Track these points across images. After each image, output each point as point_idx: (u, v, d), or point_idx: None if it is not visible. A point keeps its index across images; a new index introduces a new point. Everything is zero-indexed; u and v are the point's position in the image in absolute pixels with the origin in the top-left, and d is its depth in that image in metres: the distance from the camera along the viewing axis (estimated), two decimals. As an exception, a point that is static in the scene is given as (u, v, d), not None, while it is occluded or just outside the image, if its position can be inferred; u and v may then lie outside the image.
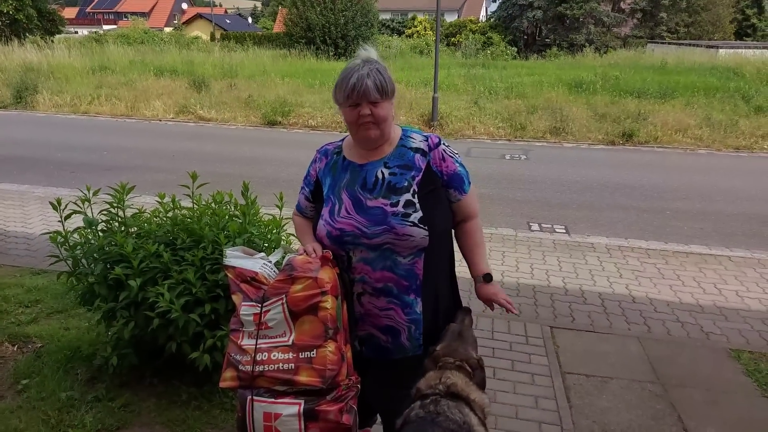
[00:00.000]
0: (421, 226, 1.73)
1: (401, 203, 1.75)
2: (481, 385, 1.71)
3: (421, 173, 1.80)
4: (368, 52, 1.81)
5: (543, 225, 6.13)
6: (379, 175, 1.80)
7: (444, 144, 1.87)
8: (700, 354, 3.57)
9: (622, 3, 40.06)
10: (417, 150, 1.83)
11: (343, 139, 1.96)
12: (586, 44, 34.39)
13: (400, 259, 1.77)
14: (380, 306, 1.81)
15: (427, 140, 1.86)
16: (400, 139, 1.86)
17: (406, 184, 1.77)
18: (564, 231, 5.95)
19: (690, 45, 26.20)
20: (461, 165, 1.88)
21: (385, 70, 1.77)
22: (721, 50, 22.64)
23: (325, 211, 1.83)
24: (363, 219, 1.76)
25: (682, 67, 18.93)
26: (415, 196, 1.76)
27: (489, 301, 1.95)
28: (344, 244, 1.79)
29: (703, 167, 9.12)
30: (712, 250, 5.37)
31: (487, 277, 1.94)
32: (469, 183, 1.90)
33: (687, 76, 15.98)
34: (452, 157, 1.86)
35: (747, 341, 3.74)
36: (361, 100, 1.72)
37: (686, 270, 4.91)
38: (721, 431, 2.84)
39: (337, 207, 1.80)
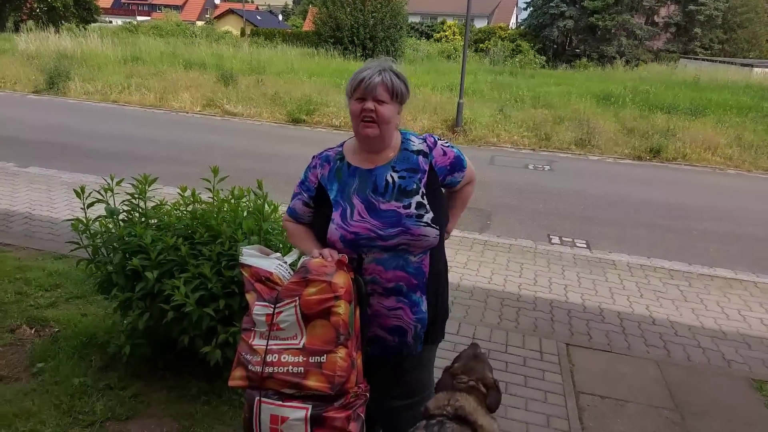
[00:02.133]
0: (434, 225, 1.81)
1: (413, 205, 1.80)
2: (494, 407, 1.67)
3: (426, 175, 1.87)
4: (392, 62, 1.89)
5: (564, 238, 6.03)
6: (389, 179, 1.85)
7: (440, 140, 1.96)
8: (720, 382, 3.46)
9: (655, 16, 39.46)
10: (419, 152, 1.90)
11: (341, 144, 1.99)
12: (617, 56, 33.96)
13: (411, 258, 1.83)
14: (389, 306, 1.85)
15: (425, 141, 1.94)
16: (402, 143, 1.92)
17: (414, 186, 1.84)
18: (585, 246, 5.84)
19: (724, 62, 25.68)
20: (457, 150, 1.98)
21: (401, 76, 1.83)
22: (756, 69, 22.15)
23: (336, 216, 1.85)
24: (377, 222, 1.80)
25: (715, 84, 18.53)
26: (424, 197, 1.83)
27: None
28: (359, 247, 1.81)
29: (732, 188, 8.89)
30: (738, 275, 5.22)
31: None
32: (465, 159, 2.00)
33: (719, 94, 15.63)
34: (450, 147, 1.96)
35: (771, 372, 3.62)
36: (366, 95, 1.78)
37: (710, 294, 4.78)
38: (739, 464, 2.75)
39: (349, 211, 1.83)
